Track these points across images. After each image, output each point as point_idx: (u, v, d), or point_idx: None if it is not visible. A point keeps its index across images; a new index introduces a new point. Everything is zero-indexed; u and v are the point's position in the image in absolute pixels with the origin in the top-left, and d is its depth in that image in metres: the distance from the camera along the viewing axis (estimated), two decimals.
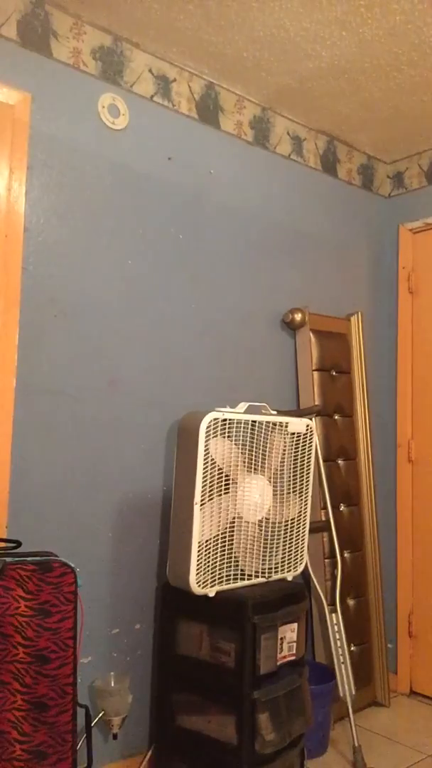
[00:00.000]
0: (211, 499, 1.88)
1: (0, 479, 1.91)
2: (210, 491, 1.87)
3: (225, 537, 1.92)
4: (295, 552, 2.10)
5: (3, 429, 1.92)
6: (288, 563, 2.08)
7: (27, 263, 1.99)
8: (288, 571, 2.08)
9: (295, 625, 1.98)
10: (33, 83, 2.02)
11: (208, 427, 1.85)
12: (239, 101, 2.59)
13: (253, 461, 1.97)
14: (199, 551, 1.85)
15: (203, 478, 1.85)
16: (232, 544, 1.94)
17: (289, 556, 2.08)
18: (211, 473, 1.87)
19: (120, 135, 2.23)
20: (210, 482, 1.87)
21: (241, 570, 1.96)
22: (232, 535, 1.94)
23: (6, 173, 1.95)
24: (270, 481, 2.02)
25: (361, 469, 2.88)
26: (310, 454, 2.12)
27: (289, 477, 2.07)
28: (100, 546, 2.12)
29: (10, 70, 1.98)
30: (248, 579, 1.97)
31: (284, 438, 2.04)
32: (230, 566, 1.94)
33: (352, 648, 2.67)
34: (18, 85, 1.99)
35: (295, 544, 2.10)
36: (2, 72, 1.96)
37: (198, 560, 1.85)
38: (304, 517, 2.12)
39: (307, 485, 2.12)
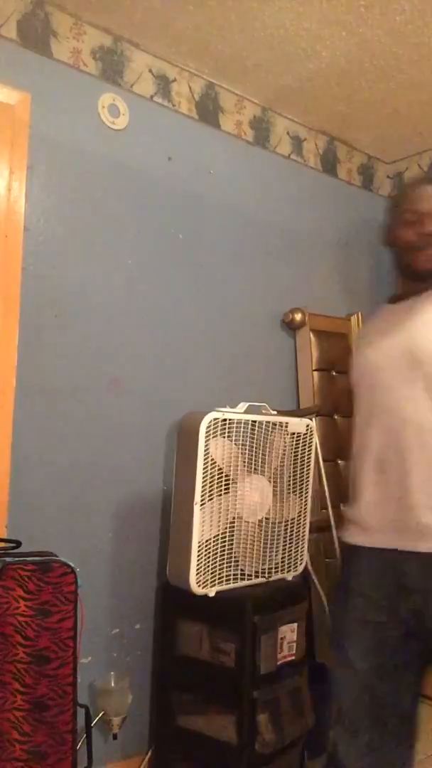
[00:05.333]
0: (211, 499, 1.88)
1: (0, 479, 1.91)
2: (210, 491, 1.87)
3: (225, 537, 1.92)
4: (295, 552, 2.10)
5: (3, 429, 1.91)
6: (288, 563, 2.08)
7: (27, 263, 1.99)
8: (288, 571, 2.08)
9: (295, 625, 1.98)
10: (33, 83, 2.02)
11: (208, 427, 1.85)
12: (239, 101, 2.59)
13: (253, 461, 1.97)
14: (199, 551, 1.85)
15: (203, 478, 1.85)
16: (232, 544, 1.94)
17: (289, 556, 2.08)
18: (211, 473, 1.87)
19: (120, 135, 2.23)
20: (210, 482, 1.87)
21: (241, 570, 1.96)
22: (232, 535, 1.94)
23: (6, 173, 1.95)
24: (270, 481, 2.02)
25: None
26: (310, 454, 2.12)
27: (289, 477, 2.07)
28: (100, 546, 2.12)
29: (10, 70, 1.98)
30: (248, 579, 1.97)
31: (284, 438, 2.04)
32: (230, 566, 1.94)
33: None
34: (18, 85, 1.99)
35: (295, 544, 2.10)
36: (2, 72, 1.96)
37: (198, 560, 1.85)
38: (304, 517, 2.12)
39: (307, 485, 2.12)
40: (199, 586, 1.85)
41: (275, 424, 2.02)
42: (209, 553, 1.88)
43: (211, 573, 1.89)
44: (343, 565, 1.58)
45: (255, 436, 1.97)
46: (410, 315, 1.50)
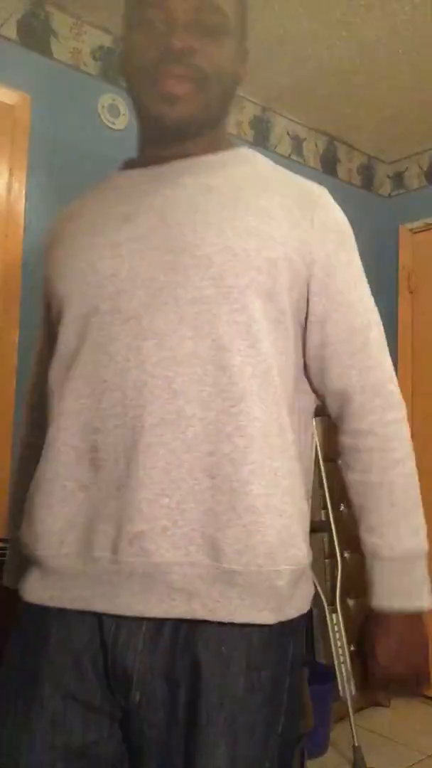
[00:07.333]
0: None
1: (0, 480, 1.90)
2: None
3: None
4: None
5: (3, 430, 1.91)
6: None
7: (27, 263, 1.99)
8: None
9: None
10: (33, 83, 2.02)
11: None
12: (239, 101, 2.58)
13: None
14: None
15: None
16: None
17: None
18: None
19: (120, 135, 2.23)
20: None
21: None
22: None
23: (6, 173, 1.95)
24: None
25: None
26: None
27: None
28: None
29: (10, 70, 1.98)
30: None
31: None
32: None
33: (352, 648, 2.67)
34: (18, 85, 1.99)
35: None
36: (2, 72, 1.96)
37: None
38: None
39: (308, 485, 2.12)
40: None
41: None
42: None
43: None
44: (15, 632, 0.87)
45: None
46: (165, 194, 0.89)
